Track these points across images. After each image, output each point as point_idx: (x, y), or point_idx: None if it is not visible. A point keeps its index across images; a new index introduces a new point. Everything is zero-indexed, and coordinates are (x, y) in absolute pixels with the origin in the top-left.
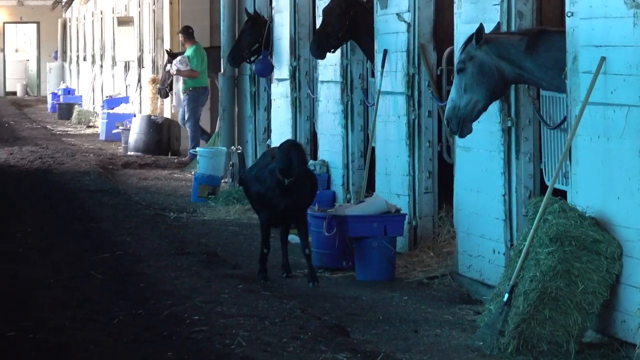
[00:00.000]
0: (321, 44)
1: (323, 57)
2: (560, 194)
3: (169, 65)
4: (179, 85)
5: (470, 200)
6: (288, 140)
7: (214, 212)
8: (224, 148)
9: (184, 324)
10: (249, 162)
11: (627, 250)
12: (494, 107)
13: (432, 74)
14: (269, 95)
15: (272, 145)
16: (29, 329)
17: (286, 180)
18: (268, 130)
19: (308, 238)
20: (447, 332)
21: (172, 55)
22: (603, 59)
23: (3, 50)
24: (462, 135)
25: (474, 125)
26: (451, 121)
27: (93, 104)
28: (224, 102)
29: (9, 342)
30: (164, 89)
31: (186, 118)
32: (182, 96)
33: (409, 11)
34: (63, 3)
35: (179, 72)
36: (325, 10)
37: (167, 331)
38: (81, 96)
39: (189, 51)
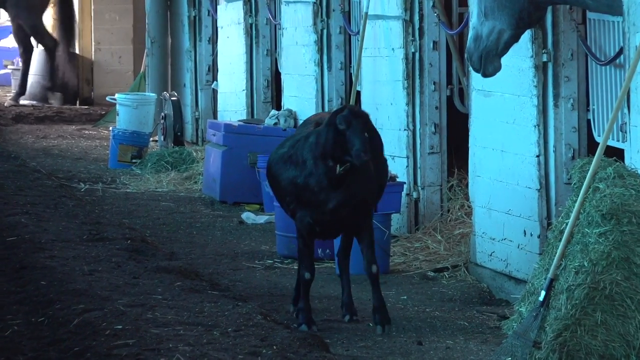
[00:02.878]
0: None
1: None
2: (616, 154)
3: None
4: None
5: (492, 164)
6: (345, 107)
7: (140, 183)
8: (153, 94)
9: (102, 335)
10: (187, 113)
11: None
12: (525, 36)
13: None
14: (214, 21)
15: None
16: None
17: (339, 168)
18: (213, 70)
19: (374, 251)
20: (462, 344)
21: None
22: None
23: None
24: (486, 74)
25: None
26: (472, 55)
27: None
28: (152, 32)
29: None
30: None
31: None
32: None
33: None
34: None
35: None
36: None
37: (78, 346)
38: None
39: None
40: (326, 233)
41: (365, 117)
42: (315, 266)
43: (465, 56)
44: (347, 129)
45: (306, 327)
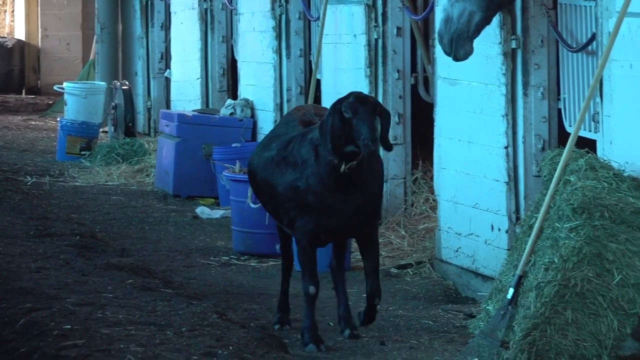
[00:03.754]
0: None
1: None
2: (588, 145)
3: None
4: None
5: (458, 156)
6: (351, 94)
7: (89, 176)
8: (103, 83)
9: (50, 336)
10: (139, 103)
11: None
12: (493, 21)
13: None
14: (167, 6)
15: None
16: None
17: (343, 165)
18: (166, 57)
19: (378, 275)
20: (427, 344)
21: None
22: None
23: None
24: (457, 58)
25: None
26: (443, 38)
27: None
28: (101, 17)
29: None
30: None
31: None
32: None
33: None
34: None
35: None
36: None
37: (25, 347)
38: None
39: None
40: (330, 241)
41: (373, 104)
42: (273, 263)
43: (437, 39)
44: (353, 116)
45: (314, 347)
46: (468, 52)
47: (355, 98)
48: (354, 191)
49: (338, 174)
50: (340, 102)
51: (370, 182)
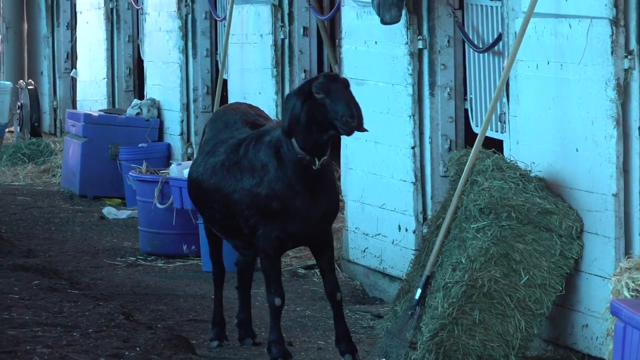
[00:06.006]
0: None
1: None
2: (495, 146)
3: None
4: None
5: (365, 156)
6: (319, 75)
7: None
8: (9, 83)
9: None
10: (45, 103)
11: (589, 224)
12: (399, 22)
13: None
14: (73, 5)
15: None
16: None
17: (317, 161)
18: (72, 57)
19: (335, 274)
20: (335, 345)
21: None
22: None
23: None
24: (384, 22)
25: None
26: (373, 1)
27: None
28: (6, 16)
29: None
30: None
31: None
32: None
33: None
34: None
35: None
36: None
37: None
38: None
39: None
40: (297, 246)
41: (344, 80)
42: (181, 263)
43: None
44: (326, 96)
45: None
46: (394, 18)
47: (325, 77)
48: (321, 193)
49: (309, 173)
50: (307, 85)
51: (332, 181)
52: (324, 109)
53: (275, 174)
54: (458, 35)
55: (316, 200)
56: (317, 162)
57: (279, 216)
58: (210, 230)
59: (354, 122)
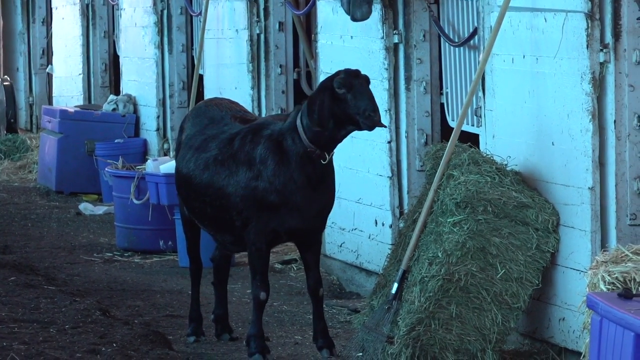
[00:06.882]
0: None
1: None
2: (471, 140)
3: None
4: None
5: (342, 150)
6: (340, 72)
7: None
8: None
9: None
10: (21, 99)
11: (566, 218)
12: (374, 16)
13: None
14: (48, 1)
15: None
16: None
17: (327, 155)
18: (48, 53)
19: (319, 270)
20: (312, 340)
21: None
22: None
23: None
24: (354, 19)
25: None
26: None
27: None
28: None
29: None
30: None
31: None
32: None
33: None
34: None
35: None
36: None
37: None
38: None
39: None
40: (290, 240)
41: (365, 76)
42: (158, 259)
43: (302, 35)
44: (348, 91)
45: (260, 357)
46: (364, 14)
47: (347, 73)
48: (323, 187)
49: (316, 167)
50: (328, 81)
51: (332, 175)
52: (345, 104)
53: (277, 168)
54: (434, 29)
55: (317, 194)
56: (327, 156)
57: (278, 209)
58: (189, 225)
59: (377, 116)
